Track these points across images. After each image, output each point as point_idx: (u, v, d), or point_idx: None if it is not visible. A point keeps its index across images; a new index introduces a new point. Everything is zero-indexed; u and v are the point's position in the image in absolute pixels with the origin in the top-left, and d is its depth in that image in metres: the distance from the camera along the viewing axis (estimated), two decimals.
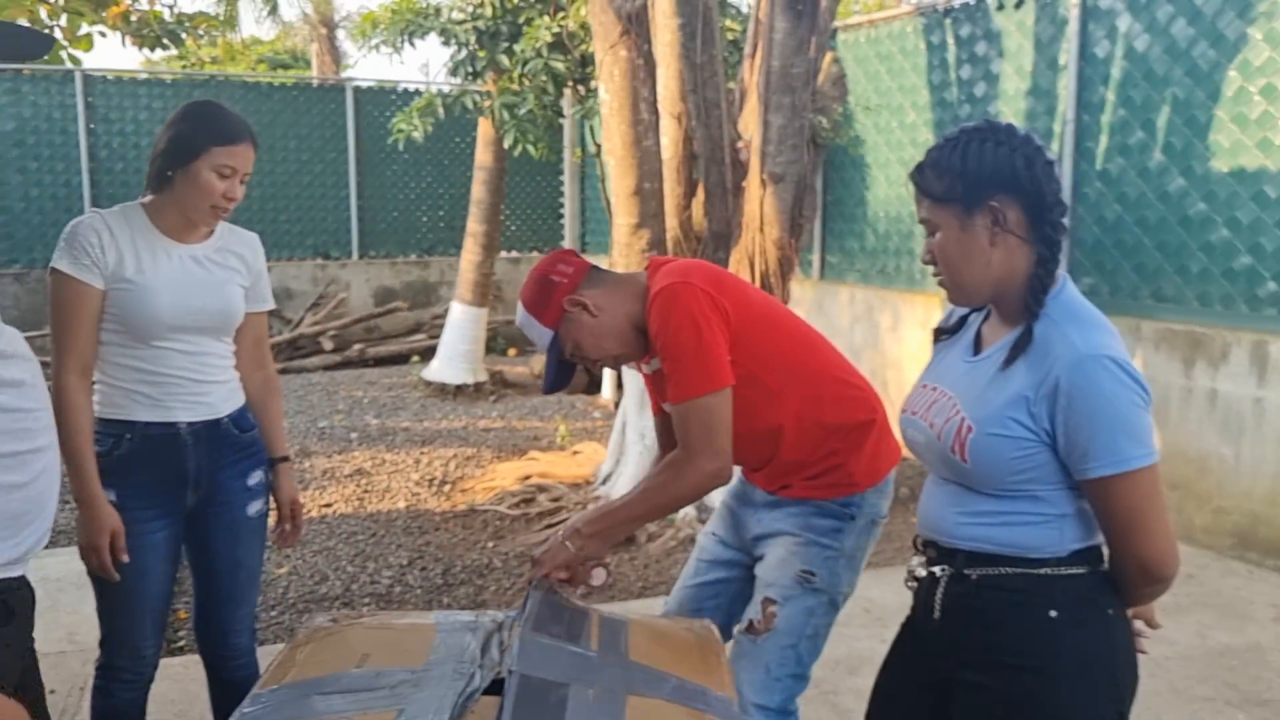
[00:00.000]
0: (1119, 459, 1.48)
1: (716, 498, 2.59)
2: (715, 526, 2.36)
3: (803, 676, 2.15)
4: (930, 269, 1.66)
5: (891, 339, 6.70)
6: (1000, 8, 5.98)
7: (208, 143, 2.25)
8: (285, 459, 2.61)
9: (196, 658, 2.62)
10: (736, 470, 2.31)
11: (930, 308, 6.35)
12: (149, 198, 2.36)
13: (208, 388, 2.37)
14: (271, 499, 2.58)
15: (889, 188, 6.88)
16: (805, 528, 2.14)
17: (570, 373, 2.21)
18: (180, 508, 2.39)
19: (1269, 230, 4.60)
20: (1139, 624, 1.66)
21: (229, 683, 2.51)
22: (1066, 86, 5.52)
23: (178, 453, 2.34)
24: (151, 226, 2.33)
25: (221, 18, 15.28)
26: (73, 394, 2.23)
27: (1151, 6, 5.09)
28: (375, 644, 1.82)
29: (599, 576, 2.12)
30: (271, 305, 2.59)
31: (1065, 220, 1.59)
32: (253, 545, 2.50)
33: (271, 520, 2.60)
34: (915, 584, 1.73)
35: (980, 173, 1.55)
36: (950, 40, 6.35)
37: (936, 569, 1.66)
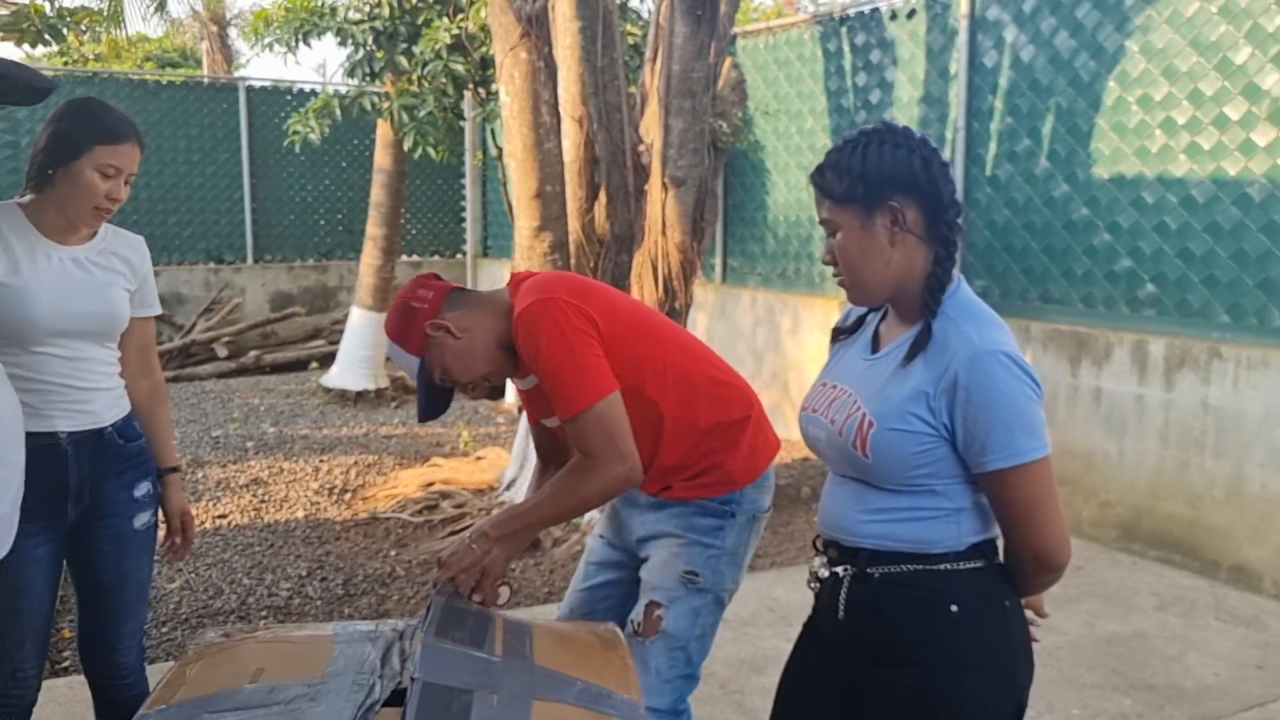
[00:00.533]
0: (1015, 451, 1.52)
1: None
2: (602, 529, 2.35)
3: (693, 676, 2.17)
4: (830, 270, 1.69)
5: (792, 341, 6.80)
6: (893, 17, 6.13)
7: (91, 141, 2.16)
8: (174, 469, 2.52)
9: (82, 678, 2.51)
10: None
11: (830, 311, 6.46)
12: (28, 197, 2.26)
13: (89, 395, 2.28)
14: (160, 511, 2.49)
15: (788, 192, 6.98)
16: (687, 528, 2.15)
17: (445, 398, 2.18)
18: (62, 521, 2.28)
19: (1147, 234, 4.80)
20: (1029, 613, 1.71)
21: (117, 704, 2.41)
22: (957, 95, 5.68)
23: (58, 464, 2.24)
24: (30, 227, 2.23)
25: (106, 13, 14.72)
26: None
27: (1036, 19, 5.27)
28: (270, 658, 1.77)
29: (503, 595, 2.09)
30: (158, 310, 2.50)
31: (960, 220, 1.63)
32: (140, 559, 2.40)
33: (161, 533, 2.51)
34: (818, 584, 1.74)
35: (880, 174, 1.58)
36: (846, 48, 6.48)
37: (839, 569, 1.67)
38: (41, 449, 2.18)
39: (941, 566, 1.59)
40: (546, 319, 1.98)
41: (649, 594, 2.14)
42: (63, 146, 2.16)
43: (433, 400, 2.15)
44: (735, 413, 2.16)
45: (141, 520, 2.38)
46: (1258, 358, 4.30)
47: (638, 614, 2.14)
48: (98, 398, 2.30)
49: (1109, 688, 3.41)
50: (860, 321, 1.79)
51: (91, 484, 2.29)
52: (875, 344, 1.71)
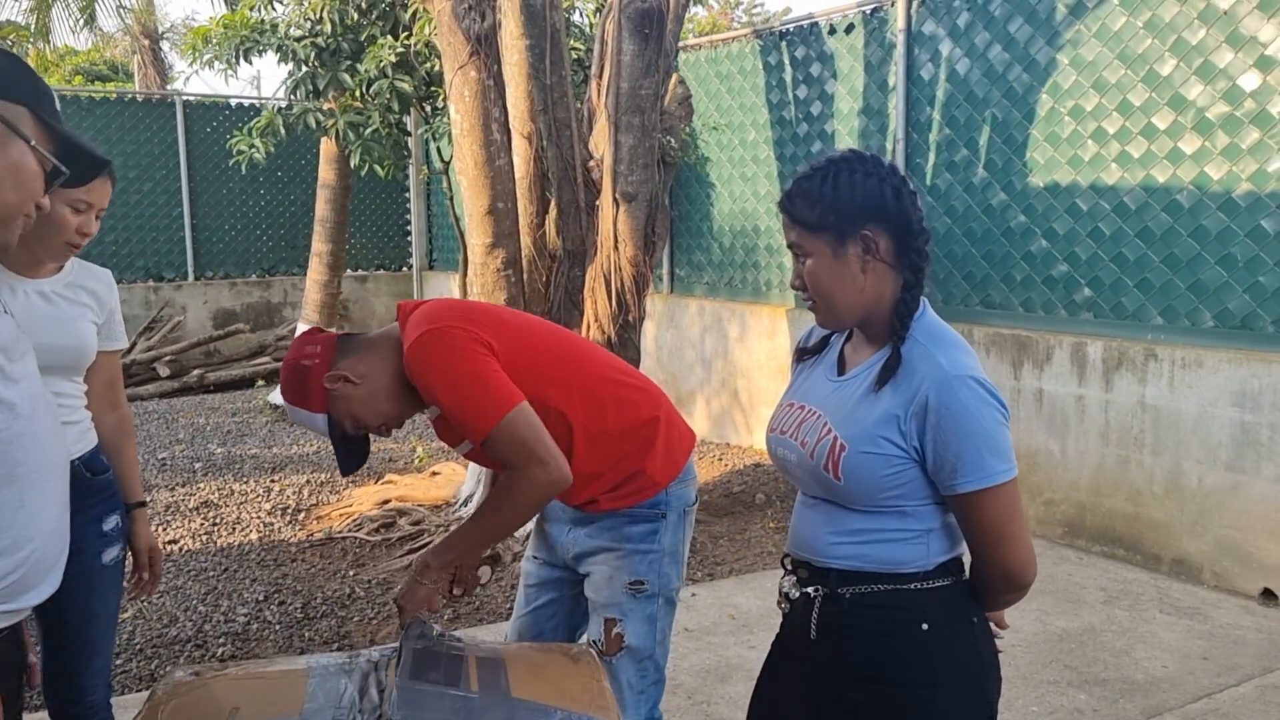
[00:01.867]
0: (985, 474, 1.56)
1: None
2: (534, 549, 2.35)
3: (661, 680, 2.21)
4: (794, 291, 1.71)
5: (740, 349, 6.88)
6: (832, 32, 6.25)
7: (58, 177, 2.13)
8: (141, 504, 2.50)
9: (44, 716, 2.48)
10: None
11: (776, 318, 6.56)
12: None
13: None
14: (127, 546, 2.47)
15: (733, 203, 7.07)
16: (622, 539, 2.16)
17: (364, 446, 2.16)
18: None
19: (1082, 240, 4.95)
20: (991, 626, 1.77)
21: None
22: (896, 107, 5.81)
23: None
24: None
25: (33, 27, 14.40)
26: None
27: (970, 33, 5.41)
28: (244, 696, 1.77)
29: (485, 574, 2.12)
30: (125, 343, 2.48)
31: (928, 247, 1.66)
32: (108, 595, 2.38)
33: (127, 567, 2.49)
34: (788, 605, 1.76)
35: (852, 203, 1.60)
36: (787, 61, 6.58)
37: (810, 589, 1.69)
38: None
39: (911, 586, 1.63)
40: (436, 348, 1.97)
41: (602, 611, 2.16)
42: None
43: (352, 452, 2.13)
44: (644, 413, 2.16)
45: (110, 555, 2.37)
46: (1191, 358, 4.46)
47: (596, 633, 2.16)
48: (65, 431, 2.28)
49: (1064, 683, 3.51)
50: (824, 342, 1.82)
51: None
52: (841, 365, 1.74)
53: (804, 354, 1.85)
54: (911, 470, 1.60)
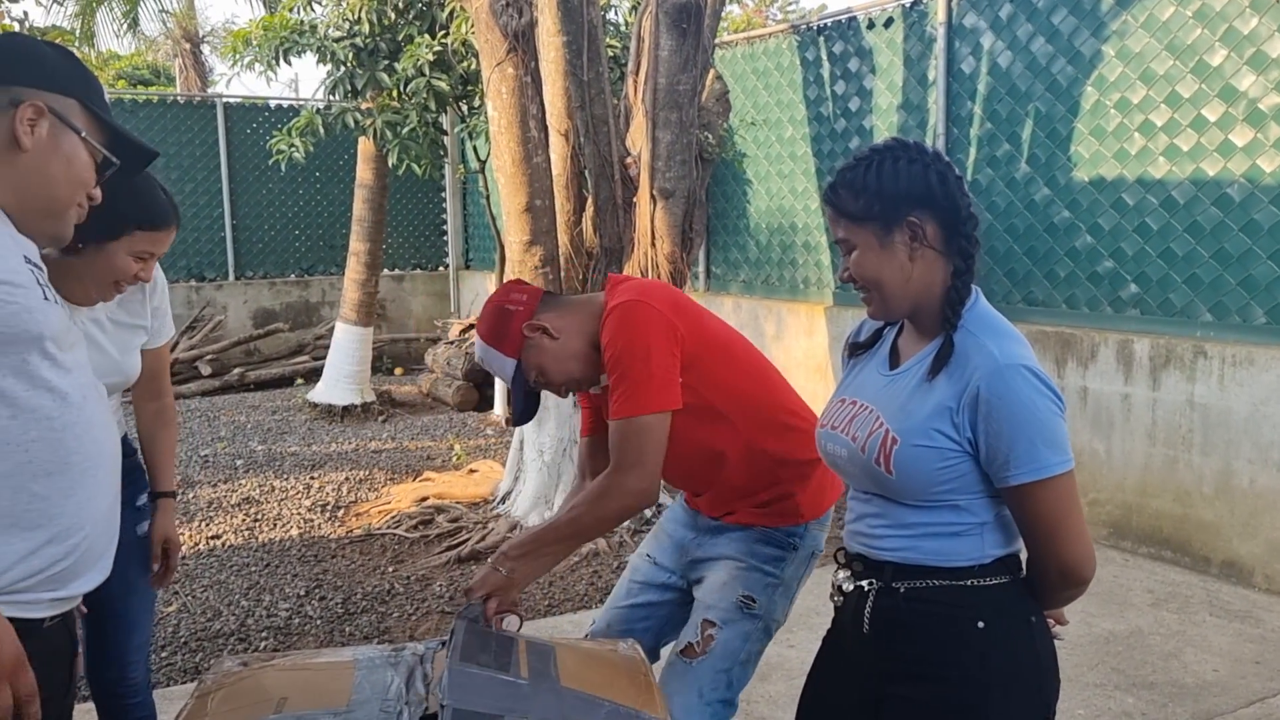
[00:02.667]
0: (1039, 466, 1.52)
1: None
2: (650, 549, 2.35)
3: (731, 702, 2.15)
4: (824, 285, 1.70)
5: (777, 347, 6.84)
6: (870, 26, 6.19)
7: (132, 224, 2.06)
8: (169, 494, 2.50)
9: (89, 707, 2.50)
10: (674, 494, 2.33)
11: (813, 316, 6.51)
12: (52, 254, 2.21)
13: None
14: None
15: (770, 200, 7.03)
16: (748, 553, 2.15)
17: (535, 403, 2.21)
18: None
19: (1128, 235, 4.87)
20: (1050, 623, 1.73)
21: None
22: (936, 101, 5.74)
23: None
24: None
25: (78, 32, 14.63)
26: None
27: (1012, 25, 5.34)
28: (291, 687, 1.77)
29: (512, 624, 2.09)
30: (172, 334, 2.49)
31: (978, 233, 1.63)
32: (144, 567, 2.41)
33: None
34: (841, 598, 1.73)
35: (897, 190, 1.57)
36: (824, 56, 6.54)
37: (864, 583, 1.67)
38: None
39: (967, 582, 1.60)
40: (635, 319, 2.00)
41: (704, 612, 2.14)
42: (101, 222, 1.92)
43: (527, 405, 2.18)
44: (809, 453, 2.09)
45: (143, 529, 2.41)
46: (1242, 355, 4.37)
47: (693, 633, 2.13)
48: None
49: (1110, 686, 3.45)
50: (876, 336, 1.79)
51: None
52: (894, 359, 1.71)
53: (856, 349, 1.82)
54: (965, 463, 1.57)
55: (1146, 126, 4.79)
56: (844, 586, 1.72)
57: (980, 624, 1.58)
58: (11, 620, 1.39)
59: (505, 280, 5.21)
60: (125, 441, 2.38)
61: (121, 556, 2.34)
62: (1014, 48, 5.36)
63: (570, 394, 2.18)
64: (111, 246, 2.07)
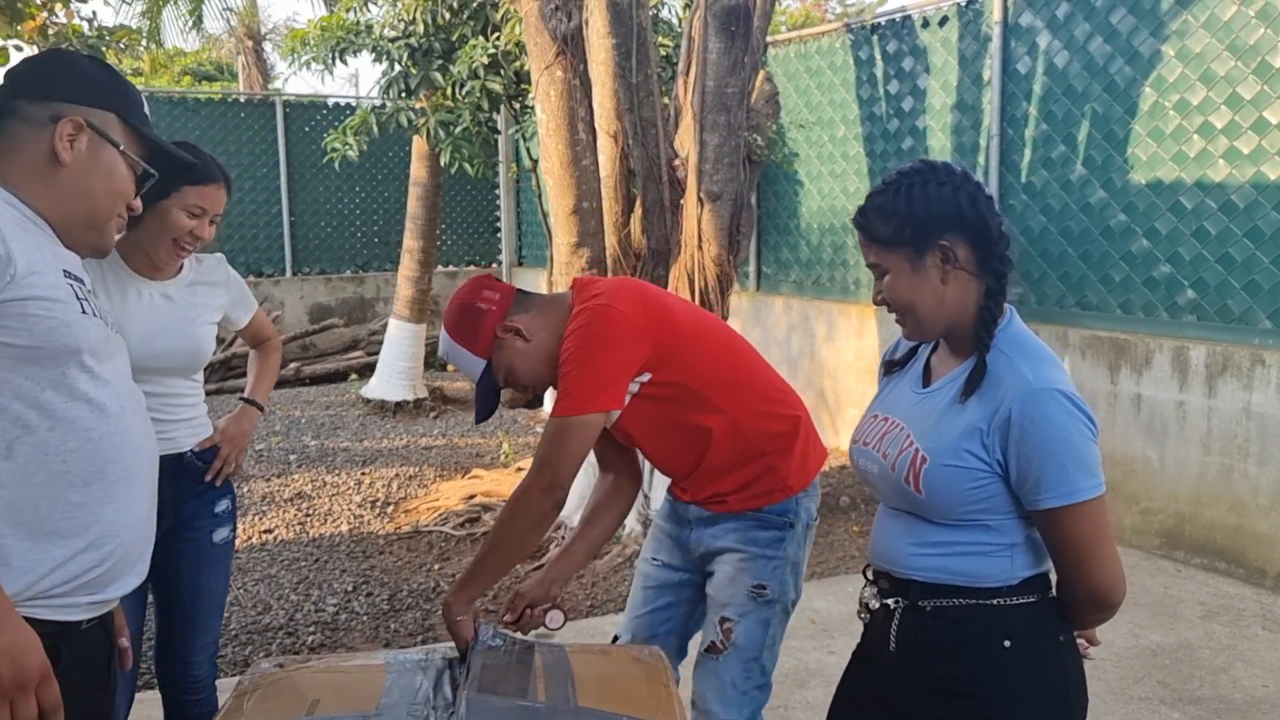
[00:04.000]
0: (1070, 490, 1.51)
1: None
2: (653, 552, 2.37)
3: (766, 685, 2.20)
4: (875, 296, 1.69)
5: (827, 348, 6.80)
6: (925, 25, 6.12)
7: (181, 181, 2.24)
8: (251, 403, 2.66)
9: (155, 694, 2.59)
10: (662, 492, 2.35)
11: (864, 318, 6.46)
12: (120, 235, 2.35)
13: (173, 426, 2.41)
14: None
15: (821, 200, 6.98)
16: (748, 542, 2.16)
17: (497, 399, 2.20)
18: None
19: (1186, 240, 4.76)
20: (1080, 642, 1.71)
21: (186, 719, 2.50)
22: (991, 101, 5.66)
23: None
24: (122, 264, 2.35)
25: (145, 31, 14.97)
26: None
27: (1070, 24, 5.25)
28: (324, 689, 1.82)
29: (555, 620, 2.12)
30: (252, 311, 2.64)
31: (1010, 252, 1.62)
32: (217, 572, 2.52)
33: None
34: (868, 615, 1.74)
35: (927, 214, 1.57)
36: (878, 55, 6.47)
37: (890, 601, 1.67)
38: None
39: (994, 601, 1.59)
40: (594, 323, 2.01)
41: (720, 610, 2.17)
42: (153, 187, 2.13)
43: (489, 403, 2.18)
44: (785, 423, 2.18)
45: (220, 535, 2.51)
46: None
47: (713, 634, 2.17)
48: (179, 428, 2.44)
49: (1156, 700, 3.39)
50: (911, 353, 1.79)
51: (173, 503, 2.39)
52: (927, 377, 1.71)
53: (891, 366, 1.83)
54: (995, 484, 1.57)
55: (1206, 129, 4.68)
56: (870, 604, 1.73)
57: (1007, 643, 1.58)
58: (50, 622, 1.44)
59: (551, 275, 5.26)
60: (209, 451, 2.49)
61: (194, 561, 2.46)
62: (1071, 47, 5.26)
63: (531, 395, 2.19)
64: (164, 205, 2.27)
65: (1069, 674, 1.62)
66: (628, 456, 2.35)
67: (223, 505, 2.51)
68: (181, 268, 2.43)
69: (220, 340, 9.54)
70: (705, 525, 2.21)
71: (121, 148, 1.58)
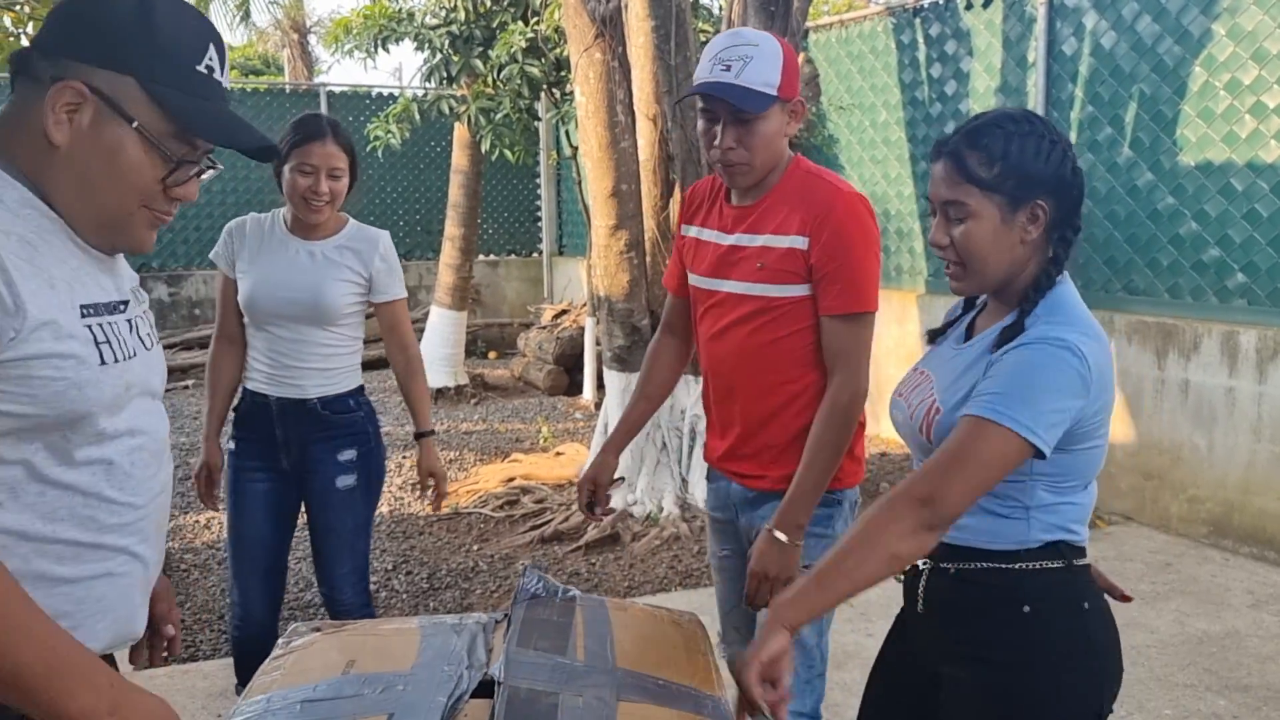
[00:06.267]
0: (994, 410, 1.42)
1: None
2: (718, 544, 2.33)
3: (823, 674, 2.16)
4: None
5: None
6: (969, 7, 6.04)
7: (288, 146, 2.57)
8: (427, 433, 2.90)
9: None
10: (701, 479, 2.31)
11: (905, 304, 6.40)
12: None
13: (299, 372, 2.66)
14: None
15: (862, 185, 6.92)
16: None
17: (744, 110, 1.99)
18: (277, 466, 2.74)
19: (1236, 223, 4.67)
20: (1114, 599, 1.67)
21: None
22: (1036, 84, 5.58)
23: (268, 420, 2.71)
24: (283, 223, 2.71)
25: None
26: (213, 356, 2.80)
27: (1117, 4, 5.15)
28: (360, 650, 1.83)
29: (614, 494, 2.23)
30: (395, 295, 2.81)
31: (1081, 225, 1.60)
32: (342, 514, 2.74)
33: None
34: (903, 576, 1.73)
35: (1035, 171, 1.51)
36: (920, 39, 6.41)
37: (920, 561, 1.65)
38: (260, 406, 2.73)
39: (1016, 565, 1.56)
40: (868, 213, 2.01)
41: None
42: (266, 150, 2.31)
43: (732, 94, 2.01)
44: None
45: (344, 481, 2.72)
46: None
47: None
48: (307, 375, 2.67)
49: (1202, 687, 3.33)
50: (957, 319, 1.78)
51: (299, 443, 2.72)
52: (970, 334, 1.70)
53: (933, 335, 1.80)
54: None
55: (1258, 108, 4.57)
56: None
57: (1026, 608, 1.55)
58: None
59: (590, 258, 5.27)
60: (343, 400, 2.72)
61: (320, 503, 2.74)
62: (1118, 27, 5.17)
63: (743, 178, 2.04)
64: (283, 170, 2.56)
65: (1095, 641, 1.57)
66: (689, 322, 2.29)
67: (347, 454, 2.71)
68: (340, 229, 2.71)
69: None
70: (752, 506, 2.16)
71: (135, 124, 1.19)
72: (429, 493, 2.92)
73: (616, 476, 2.38)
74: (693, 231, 2.20)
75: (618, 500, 4.98)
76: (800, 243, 1.99)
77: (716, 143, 2.00)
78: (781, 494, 2.07)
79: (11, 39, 5.24)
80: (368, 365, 10.05)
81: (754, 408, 2.12)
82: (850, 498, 2.17)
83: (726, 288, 2.10)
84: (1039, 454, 1.43)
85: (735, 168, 2.01)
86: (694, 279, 2.19)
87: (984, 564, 1.59)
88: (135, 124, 1.19)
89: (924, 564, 1.66)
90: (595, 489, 2.35)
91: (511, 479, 5.63)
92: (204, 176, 1.30)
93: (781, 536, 1.99)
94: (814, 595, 1.46)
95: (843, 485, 2.12)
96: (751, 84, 1.94)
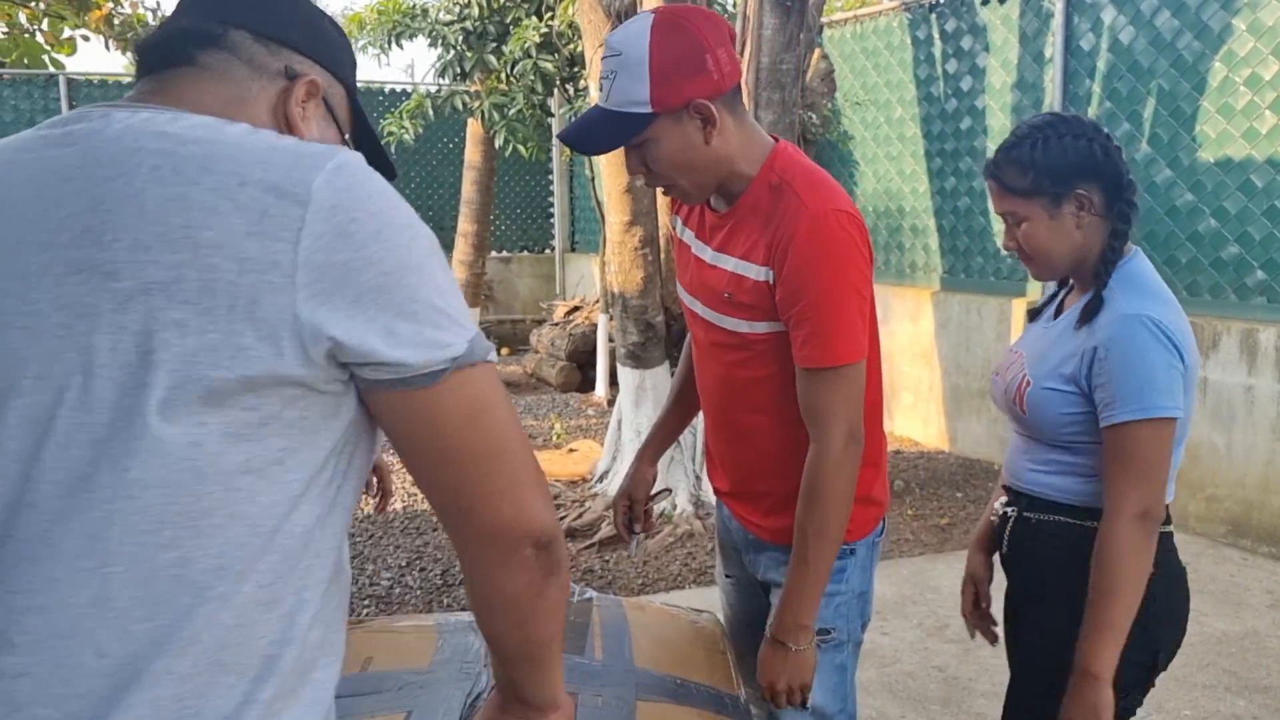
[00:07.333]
0: (1143, 406, 1.59)
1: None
2: (725, 569, 2.09)
3: (854, 716, 1.91)
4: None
5: (882, 332, 6.64)
6: (985, 2, 6.00)
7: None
8: None
9: None
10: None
11: (920, 301, 6.37)
12: None
13: None
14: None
15: (877, 182, 6.90)
16: None
17: (611, 149, 1.68)
18: None
19: (1256, 219, 4.63)
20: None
21: None
22: (1052, 80, 5.54)
23: None
24: None
25: None
26: None
27: None
28: (377, 647, 1.83)
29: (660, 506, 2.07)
30: None
31: (1136, 197, 1.72)
32: None
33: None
34: (998, 520, 1.90)
35: (1066, 166, 1.68)
36: (936, 34, 6.37)
37: (1009, 509, 1.85)
38: None
39: (1088, 523, 1.69)
40: (844, 245, 1.62)
41: None
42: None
43: (599, 140, 1.66)
44: (871, 453, 1.77)
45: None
46: None
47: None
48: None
49: (1221, 688, 3.30)
50: (1050, 299, 1.93)
51: None
52: (1058, 312, 1.85)
53: (1033, 315, 1.96)
54: (1086, 410, 1.68)
55: (1279, 104, 4.53)
56: (1000, 511, 1.90)
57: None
58: None
59: (604, 254, 5.24)
60: None
61: None
62: (1136, 22, 5.13)
63: (674, 192, 1.72)
64: None
65: (1157, 603, 1.65)
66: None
67: None
68: None
69: None
70: (754, 549, 1.88)
71: (347, 136, 1.15)
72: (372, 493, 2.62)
73: (658, 490, 2.10)
74: (679, 230, 1.89)
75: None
76: (765, 275, 1.64)
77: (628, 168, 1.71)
78: (782, 547, 1.76)
79: (26, 35, 5.25)
80: None
81: (745, 453, 1.84)
82: (865, 545, 1.83)
83: (700, 311, 1.80)
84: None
85: (669, 191, 1.72)
86: (679, 289, 1.89)
87: (1060, 518, 1.75)
88: (346, 136, 1.14)
89: (1010, 511, 1.84)
90: (631, 504, 2.10)
91: None
92: None
93: (786, 642, 1.70)
94: (1115, 640, 1.61)
95: (854, 538, 1.78)
96: (619, 106, 1.58)
